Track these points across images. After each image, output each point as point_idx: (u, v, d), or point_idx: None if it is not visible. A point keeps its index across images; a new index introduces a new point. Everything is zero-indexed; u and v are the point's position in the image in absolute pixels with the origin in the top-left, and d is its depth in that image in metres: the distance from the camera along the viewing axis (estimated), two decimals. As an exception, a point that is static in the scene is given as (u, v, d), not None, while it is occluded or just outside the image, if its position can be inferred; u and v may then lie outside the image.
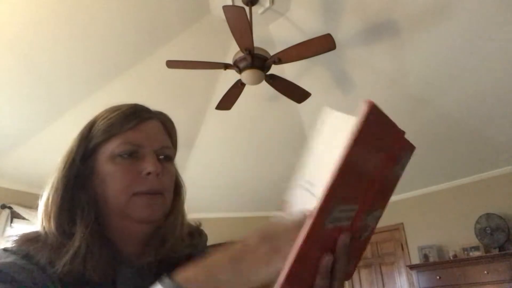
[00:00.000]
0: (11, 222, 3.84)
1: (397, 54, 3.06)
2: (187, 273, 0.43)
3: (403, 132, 0.47)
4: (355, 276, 5.16)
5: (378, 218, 0.55)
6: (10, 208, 3.84)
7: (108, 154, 0.62)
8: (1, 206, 3.83)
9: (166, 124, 0.70)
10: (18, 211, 3.85)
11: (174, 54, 2.85)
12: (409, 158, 0.51)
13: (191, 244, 0.69)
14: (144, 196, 0.61)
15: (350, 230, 0.45)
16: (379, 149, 0.44)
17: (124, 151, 0.62)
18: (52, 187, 0.62)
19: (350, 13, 2.78)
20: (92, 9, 2.57)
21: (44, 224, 0.60)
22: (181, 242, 0.67)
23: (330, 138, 0.47)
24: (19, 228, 3.78)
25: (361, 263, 5.15)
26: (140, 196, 0.61)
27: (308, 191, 0.48)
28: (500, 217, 3.99)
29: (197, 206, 4.73)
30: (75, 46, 2.78)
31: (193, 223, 0.75)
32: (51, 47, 2.74)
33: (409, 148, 0.49)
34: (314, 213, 0.39)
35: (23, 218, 3.87)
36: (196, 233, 0.73)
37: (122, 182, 0.60)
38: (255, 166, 4.51)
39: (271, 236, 0.44)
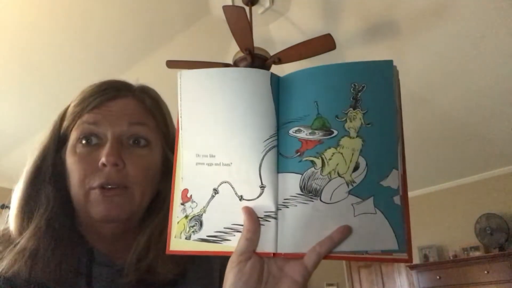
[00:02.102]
0: (11, 222, 3.84)
1: (397, 54, 3.06)
2: None
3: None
4: (355, 276, 5.16)
5: None
6: (10, 208, 3.84)
7: (71, 143, 0.54)
8: (1, 206, 3.83)
9: (143, 100, 0.59)
10: (18, 211, 3.85)
11: (174, 54, 2.85)
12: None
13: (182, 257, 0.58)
14: (98, 191, 0.51)
15: None
16: None
17: (80, 134, 0.53)
18: (21, 180, 0.56)
19: (350, 13, 2.78)
20: (92, 9, 2.57)
21: (11, 221, 0.54)
22: (169, 257, 0.54)
23: (204, 99, 0.45)
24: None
25: (361, 263, 5.15)
26: (95, 191, 0.51)
27: (212, 165, 0.45)
28: (500, 217, 4.00)
29: (197, 206, 4.73)
30: (74, 46, 2.78)
31: None
32: (51, 47, 2.74)
33: None
34: None
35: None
36: None
37: (79, 175, 0.52)
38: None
39: None
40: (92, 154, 0.53)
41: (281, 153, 0.44)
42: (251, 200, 0.43)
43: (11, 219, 0.54)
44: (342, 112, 0.44)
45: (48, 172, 0.54)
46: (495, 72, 3.02)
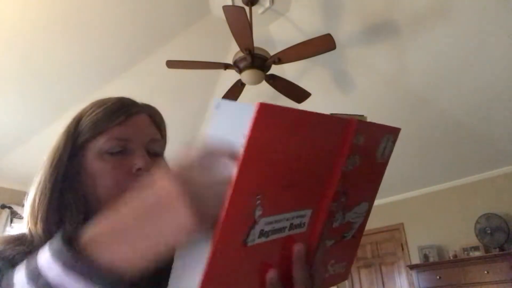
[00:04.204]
0: (11, 222, 3.84)
1: (397, 54, 3.06)
2: (89, 233, 0.36)
3: (356, 121, 0.41)
4: (355, 276, 5.16)
5: (366, 212, 0.51)
6: (10, 208, 3.84)
7: (96, 151, 0.60)
8: (1, 206, 3.84)
9: (154, 118, 0.67)
10: (18, 211, 3.85)
11: (174, 54, 2.85)
12: (392, 141, 0.45)
13: None
14: None
15: (311, 235, 0.42)
16: (312, 147, 0.40)
17: (112, 147, 0.59)
18: (38, 186, 0.59)
19: (350, 13, 2.78)
20: (92, 9, 2.57)
21: (30, 226, 0.57)
22: None
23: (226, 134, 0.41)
24: (19, 228, 3.79)
25: (361, 263, 5.15)
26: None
27: None
28: (500, 217, 3.99)
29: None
30: (75, 46, 2.78)
31: None
32: (51, 47, 2.74)
33: (388, 131, 0.43)
34: (211, 246, 0.34)
35: (23, 218, 3.87)
36: None
37: (112, 179, 0.58)
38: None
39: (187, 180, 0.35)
40: (123, 161, 0.59)
41: None
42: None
43: (32, 224, 0.57)
44: None
45: (64, 178, 0.59)
46: (495, 72, 3.02)
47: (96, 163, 0.59)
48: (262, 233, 0.38)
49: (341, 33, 2.88)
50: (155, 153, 0.63)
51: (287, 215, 0.40)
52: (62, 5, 2.49)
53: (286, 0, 2.77)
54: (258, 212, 0.37)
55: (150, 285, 0.56)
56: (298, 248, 0.41)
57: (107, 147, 0.59)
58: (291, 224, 0.41)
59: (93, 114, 0.62)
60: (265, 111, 0.34)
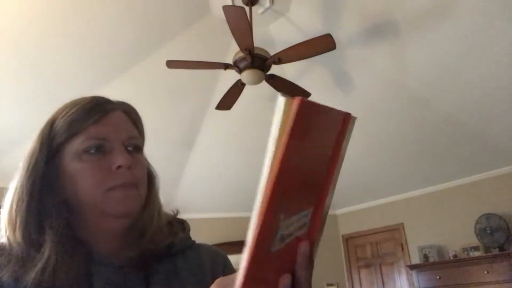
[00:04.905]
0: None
1: (397, 54, 3.06)
2: None
3: (342, 113, 0.41)
4: (355, 276, 5.16)
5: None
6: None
7: (73, 152, 0.58)
8: (1, 206, 3.84)
9: (130, 114, 0.66)
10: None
11: (174, 54, 2.85)
12: (352, 128, 0.43)
13: (170, 232, 0.66)
14: (119, 190, 0.58)
15: (309, 235, 0.41)
16: (321, 143, 0.40)
17: (89, 146, 0.58)
18: (15, 193, 0.58)
19: (350, 13, 2.78)
20: (92, 9, 2.57)
21: (8, 234, 0.55)
22: (160, 232, 0.64)
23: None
24: None
25: (361, 263, 5.16)
26: (115, 190, 0.57)
27: None
28: (500, 217, 3.99)
29: (197, 206, 4.73)
30: (75, 46, 2.78)
31: (170, 213, 0.72)
32: (51, 46, 2.74)
33: (349, 120, 0.42)
34: (248, 251, 0.34)
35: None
36: (175, 221, 0.70)
37: (93, 179, 0.57)
38: (256, 166, 4.51)
39: None
40: (102, 160, 0.58)
41: None
42: None
43: (10, 232, 0.55)
44: None
45: (42, 183, 0.58)
46: (495, 72, 3.02)
47: (75, 164, 0.58)
48: (281, 238, 0.38)
49: (341, 33, 2.88)
50: (134, 150, 0.62)
51: (298, 216, 0.39)
52: (62, 6, 2.49)
53: (286, 0, 2.77)
54: (282, 215, 0.36)
55: (137, 268, 0.58)
56: (304, 248, 0.41)
57: (84, 147, 0.58)
58: (299, 225, 0.40)
59: (67, 115, 0.61)
60: (305, 106, 0.33)
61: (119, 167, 0.58)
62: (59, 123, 0.61)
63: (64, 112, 0.61)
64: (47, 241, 0.53)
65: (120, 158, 0.58)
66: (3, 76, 2.86)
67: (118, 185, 0.58)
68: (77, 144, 0.58)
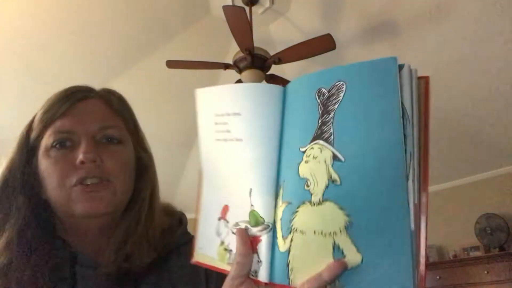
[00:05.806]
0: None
1: (397, 54, 3.04)
2: None
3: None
4: (355, 276, 5.16)
5: None
6: None
7: (43, 148, 0.56)
8: (1, 206, 3.84)
9: (111, 102, 0.61)
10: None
11: (174, 54, 2.85)
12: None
13: (163, 236, 0.60)
14: (81, 187, 0.53)
15: None
16: None
17: (55, 141, 0.55)
18: None
19: (350, 13, 2.78)
20: (92, 9, 2.57)
21: None
22: (147, 242, 0.57)
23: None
24: None
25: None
26: (76, 188, 0.53)
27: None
28: (500, 217, 3.99)
29: (197, 206, 4.73)
30: (75, 46, 2.78)
31: (171, 208, 0.67)
32: (51, 47, 2.74)
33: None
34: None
35: None
36: (173, 220, 0.65)
37: (56, 176, 0.53)
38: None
39: None
40: (68, 156, 0.54)
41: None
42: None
43: None
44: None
45: (17, 183, 0.55)
46: (495, 73, 3.02)
47: (43, 161, 0.55)
48: None
49: (341, 33, 2.88)
50: (109, 141, 0.58)
51: None
52: (61, 6, 2.49)
53: (286, 0, 2.77)
54: None
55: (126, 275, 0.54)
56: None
57: (50, 142, 0.55)
58: None
59: (42, 109, 0.58)
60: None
61: (82, 162, 0.53)
62: (36, 119, 0.59)
63: (43, 106, 0.60)
64: (1, 241, 0.51)
65: (82, 153, 0.53)
66: (3, 76, 2.86)
67: (80, 181, 0.53)
68: (45, 139, 0.56)
